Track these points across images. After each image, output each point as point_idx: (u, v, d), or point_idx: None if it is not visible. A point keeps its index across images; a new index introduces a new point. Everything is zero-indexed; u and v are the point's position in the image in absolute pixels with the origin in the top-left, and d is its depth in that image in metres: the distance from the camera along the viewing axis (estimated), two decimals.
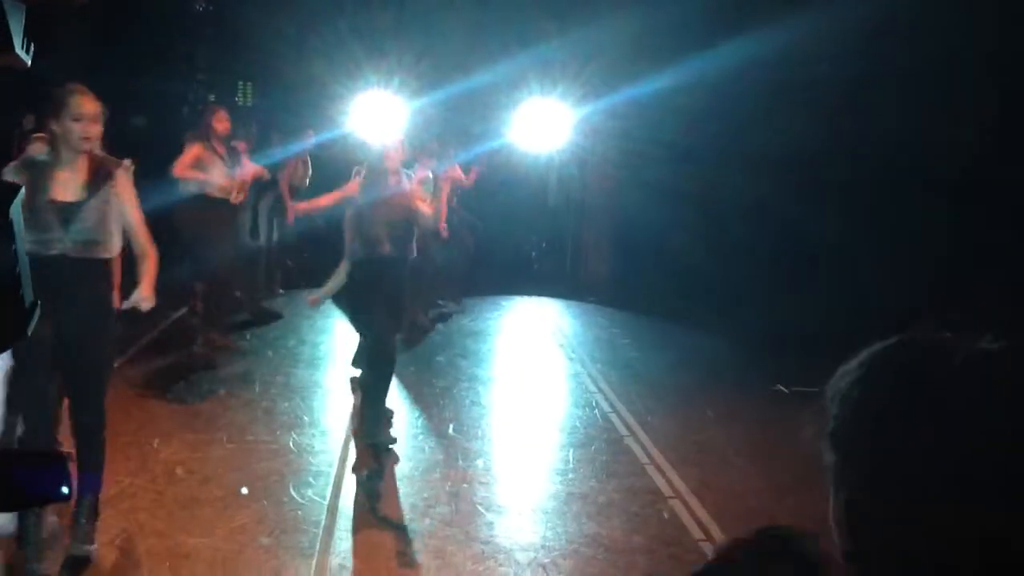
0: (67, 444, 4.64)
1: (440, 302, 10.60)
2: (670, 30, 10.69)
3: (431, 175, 7.71)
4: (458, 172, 9.46)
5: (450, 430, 6.86)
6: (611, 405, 7.61)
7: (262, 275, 10.63)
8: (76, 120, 4.33)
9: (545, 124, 10.20)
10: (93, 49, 12.28)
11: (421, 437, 6.75)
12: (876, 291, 9.06)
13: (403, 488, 5.77)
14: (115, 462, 5.74)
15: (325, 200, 6.49)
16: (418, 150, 8.19)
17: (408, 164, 6.66)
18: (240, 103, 15.19)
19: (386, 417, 6.46)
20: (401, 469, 6.09)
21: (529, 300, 12.33)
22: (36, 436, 4.32)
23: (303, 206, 7.12)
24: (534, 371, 9.03)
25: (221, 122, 8.33)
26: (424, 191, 8.68)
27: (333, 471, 5.90)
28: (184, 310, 8.87)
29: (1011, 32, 9.30)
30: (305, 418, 6.89)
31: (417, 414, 7.26)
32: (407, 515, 5.37)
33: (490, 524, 5.31)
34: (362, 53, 11.83)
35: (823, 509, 1.02)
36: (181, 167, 8.00)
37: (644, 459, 6.43)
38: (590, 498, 5.73)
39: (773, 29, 9.19)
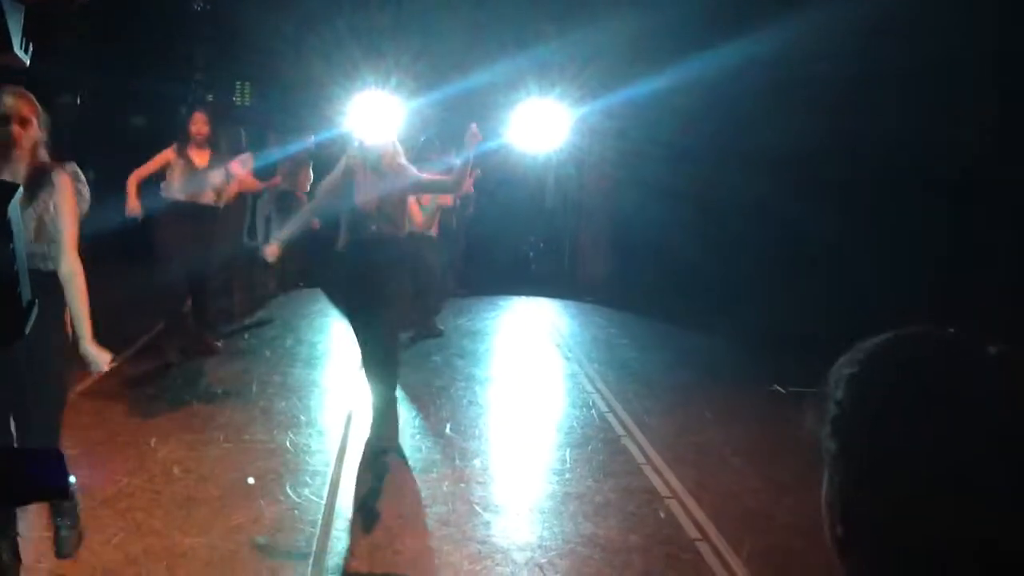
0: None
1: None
2: (667, 31, 10.72)
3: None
4: None
5: (447, 430, 6.86)
6: (608, 405, 7.61)
7: (261, 275, 10.63)
8: (4, 123, 3.96)
9: (543, 124, 10.20)
10: (92, 49, 12.30)
11: (418, 437, 6.75)
12: (875, 291, 9.08)
13: (400, 488, 5.77)
14: (113, 462, 5.76)
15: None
16: (419, 150, 8.20)
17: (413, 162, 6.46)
18: (238, 103, 15.21)
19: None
20: (398, 468, 6.10)
21: (526, 300, 12.34)
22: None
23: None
24: (531, 371, 9.04)
25: (196, 124, 7.91)
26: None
27: (330, 470, 5.90)
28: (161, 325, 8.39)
29: (1011, 31, 9.31)
30: (302, 417, 6.90)
31: (414, 414, 7.26)
32: (404, 514, 5.37)
33: (487, 524, 5.31)
34: (360, 53, 11.84)
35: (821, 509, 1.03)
36: (132, 177, 7.68)
37: (641, 459, 6.43)
38: (587, 498, 5.74)
39: (771, 28, 9.20)
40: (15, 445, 4.05)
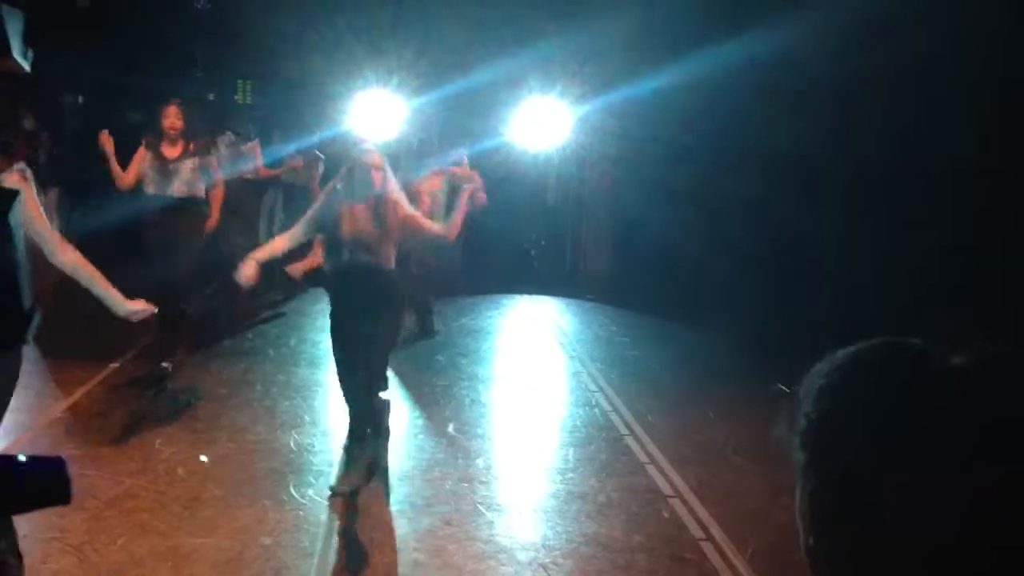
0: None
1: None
2: (668, 29, 10.71)
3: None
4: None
5: (450, 429, 6.86)
6: (611, 404, 7.62)
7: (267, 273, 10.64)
8: None
9: (544, 122, 10.22)
10: (93, 47, 12.30)
11: (421, 436, 6.75)
12: (876, 290, 9.07)
13: (403, 487, 5.77)
14: (117, 462, 5.77)
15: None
16: (417, 149, 8.19)
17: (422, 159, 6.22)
18: (240, 101, 15.22)
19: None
20: (401, 468, 6.10)
21: (529, 299, 12.34)
22: None
23: None
24: (534, 370, 9.04)
25: (168, 119, 7.46)
26: (439, 194, 8.68)
27: (334, 470, 5.91)
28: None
29: (1018, 28, 9.27)
30: (306, 417, 6.90)
31: (417, 413, 7.26)
32: (407, 514, 5.37)
33: (490, 523, 5.32)
34: (361, 51, 11.85)
35: None
36: (119, 182, 7.39)
37: (644, 458, 6.44)
38: (590, 497, 5.74)
39: (772, 27, 9.18)
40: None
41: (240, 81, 15.34)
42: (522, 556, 4.93)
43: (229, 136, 11.60)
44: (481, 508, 5.50)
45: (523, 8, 12.24)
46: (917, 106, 9.83)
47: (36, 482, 1.01)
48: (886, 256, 9.72)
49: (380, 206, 5.56)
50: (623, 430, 7.00)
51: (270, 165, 11.41)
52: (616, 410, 7.46)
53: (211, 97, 14.71)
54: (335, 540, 5.02)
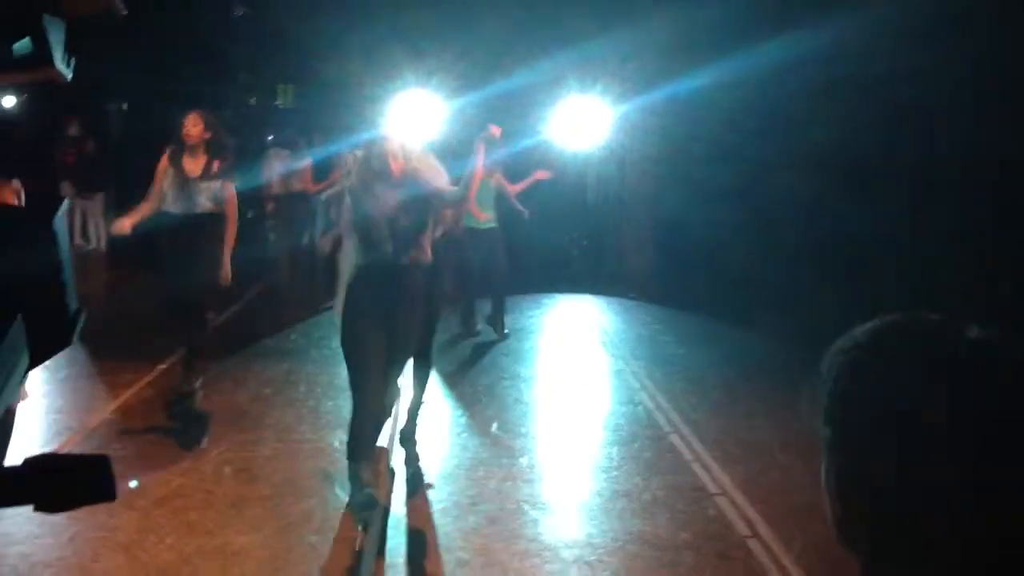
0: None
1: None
2: (710, 27, 10.62)
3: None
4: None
5: (493, 428, 6.87)
6: (655, 402, 7.58)
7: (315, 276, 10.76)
8: None
9: (584, 121, 10.16)
10: (136, 55, 12.48)
11: (464, 435, 6.77)
12: (926, 291, 8.91)
13: (448, 486, 5.79)
14: (165, 462, 5.85)
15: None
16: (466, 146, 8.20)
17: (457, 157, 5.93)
18: (281, 105, 15.38)
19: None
20: (445, 467, 6.12)
21: (570, 298, 12.32)
22: None
23: None
24: (576, 368, 9.02)
25: (186, 127, 6.97)
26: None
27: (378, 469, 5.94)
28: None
29: None
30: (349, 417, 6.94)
31: (460, 412, 7.29)
32: (452, 513, 5.39)
33: (535, 521, 5.31)
34: (401, 53, 11.89)
35: None
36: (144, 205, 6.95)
37: (689, 456, 6.39)
38: (635, 495, 5.71)
39: (819, 24, 9.03)
40: None
41: (281, 86, 15.51)
42: (567, 554, 4.92)
43: (282, 152, 11.77)
44: (525, 506, 5.50)
45: (564, 7, 12.23)
46: (974, 104, 9.62)
47: (79, 479, 1.03)
48: (939, 257, 9.52)
49: (407, 195, 5.22)
50: (667, 428, 6.96)
51: (318, 169, 11.59)
52: (660, 408, 7.42)
53: (252, 102, 14.88)
54: (381, 539, 5.04)
